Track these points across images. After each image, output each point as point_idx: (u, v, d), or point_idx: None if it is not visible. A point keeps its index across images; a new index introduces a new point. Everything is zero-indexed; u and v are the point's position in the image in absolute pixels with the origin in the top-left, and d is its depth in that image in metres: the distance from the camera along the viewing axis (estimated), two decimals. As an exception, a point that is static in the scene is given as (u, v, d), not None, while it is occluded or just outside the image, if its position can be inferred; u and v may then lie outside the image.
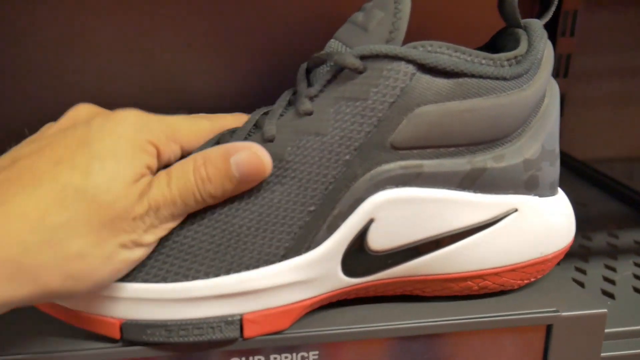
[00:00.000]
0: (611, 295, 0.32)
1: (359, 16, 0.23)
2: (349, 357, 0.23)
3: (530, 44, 0.23)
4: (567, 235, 0.25)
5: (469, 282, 0.24)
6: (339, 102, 0.21)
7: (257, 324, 0.21)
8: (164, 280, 0.20)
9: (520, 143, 0.23)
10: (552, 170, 0.24)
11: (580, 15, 0.54)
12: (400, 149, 0.21)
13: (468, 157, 0.22)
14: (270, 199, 0.21)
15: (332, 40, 0.23)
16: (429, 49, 0.21)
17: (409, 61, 0.21)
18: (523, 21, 0.24)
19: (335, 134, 0.21)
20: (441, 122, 0.21)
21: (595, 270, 0.35)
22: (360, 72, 0.21)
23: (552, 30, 0.55)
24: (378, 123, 0.21)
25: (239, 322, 0.21)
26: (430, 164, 0.22)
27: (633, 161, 0.58)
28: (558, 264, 0.36)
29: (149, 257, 0.21)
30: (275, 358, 0.22)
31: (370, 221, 0.21)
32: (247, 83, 0.39)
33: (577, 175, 0.53)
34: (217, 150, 0.21)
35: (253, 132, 0.22)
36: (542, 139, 0.24)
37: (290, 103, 0.23)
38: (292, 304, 0.21)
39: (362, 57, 0.21)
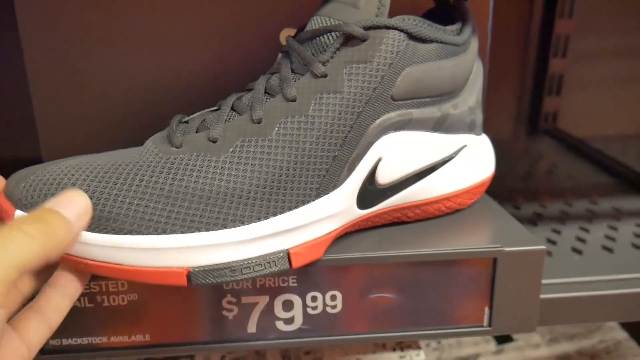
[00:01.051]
0: (579, 252, 0.35)
1: None
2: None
3: (464, 19, 0.28)
4: (492, 163, 0.32)
5: (440, 204, 0.29)
6: (348, 65, 0.24)
7: (300, 256, 0.24)
8: (224, 227, 0.22)
9: (465, 95, 0.29)
10: (481, 115, 0.31)
11: (577, -3, 0.56)
12: (397, 101, 0.25)
13: (438, 105, 0.27)
14: (301, 149, 0.24)
15: (315, 17, 0.26)
16: (412, 21, 0.25)
17: (402, 30, 0.25)
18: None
19: (350, 91, 0.24)
20: (422, 78, 0.26)
21: (571, 231, 0.38)
22: (364, 40, 0.24)
23: (550, 12, 0.57)
24: (381, 80, 0.25)
25: (287, 255, 0.23)
26: (416, 112, 0.26)
27: (627, 138, 0.59)
28: (536, 224, 0.39)
29: (204, 208, 0.22)
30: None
31: (379, 160, 0.26)
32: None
33: (573, 150, 0.56)
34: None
35: (263, 97, 0.25)
36: (476, 91, 0.30)
37: (293, 71, 0.25)
38: (324, 235, 0.25)
39: (366, 28, 0.25)
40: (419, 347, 0.38)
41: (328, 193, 0.24)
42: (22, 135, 0.55)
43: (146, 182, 0.22)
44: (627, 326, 0.51)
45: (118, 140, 0.35)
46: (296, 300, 0.25)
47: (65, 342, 0.25)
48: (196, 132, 0.25)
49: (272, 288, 0.25)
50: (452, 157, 0.29)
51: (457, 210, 0.31)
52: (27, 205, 0.22)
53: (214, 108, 0.26)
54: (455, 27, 0.27)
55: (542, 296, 0.29)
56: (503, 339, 0.49)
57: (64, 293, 0.22)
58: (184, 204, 0.22)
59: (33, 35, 0.33)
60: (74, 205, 0.21)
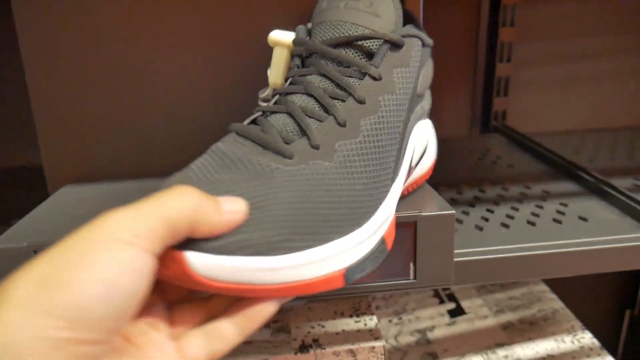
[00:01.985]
0: (507, 226, 0.41)
1: (359, 3, 0.28)
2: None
3: (416, 23, 0.33)
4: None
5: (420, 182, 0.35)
6: (394, 69, 0.28)
7: (389, 238, 0.27)
8: (358, 225, 0.24)
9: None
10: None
11: (519, 8, 0.63)
12: (419, 97, 0.31)
13: (430, 96, 0.34)
14: (381, 146, 0.26)
15: (338, 22, 0.28)
16: (421, 30, 0.31)
17: (419, 38, 0.30)
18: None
19: (400, 92, 0.28)
20: (427, 75, 0.32)
21: (503, 210, 0.44)
22: (401, 47, 0.28)
23: (494, 21, 0.64)
24: (415, 81, 0.29)
25: (383, 240, 0.26)
26: (425, 103, 0.33)
27: (565, 133, 0.66)
28: (474, 205, 0.45)
29: (335, 213, 0.23)
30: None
31: (414, 149, 0.31)
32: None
33: (517, 145, 0.62)
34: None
35: (332, 99, 0.26)
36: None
37: (357, 71, 0.27)
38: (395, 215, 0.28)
39: (403, 36, 0.28)
40: (372, 313, 0.43)
41: (395, 180, 0.28)
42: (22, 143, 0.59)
43: (288, 197, 0.22)
44: (548, 282, 0.57)
45: (121, 146, 0.38)
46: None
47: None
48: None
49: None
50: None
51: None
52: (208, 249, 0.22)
53: (260, 113, 0.27)
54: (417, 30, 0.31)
55: (470, 258, 0.35)
56: (455, 313, 0.55)
57: (234, 323, 0.22)
58: (333, 211, 0.23)
59: (31, 37, 0.36)
60: (232, 201, 0.21)
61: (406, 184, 0.33)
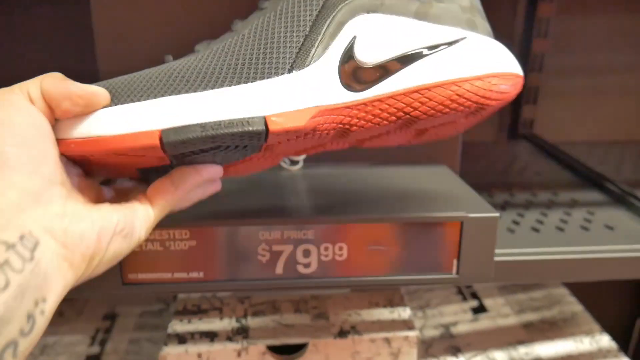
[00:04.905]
0: (537, 230, 0.43)
1: None
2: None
3: None
4: (507, 62, 0.30)
5: (448, 91, 0.28)
6: None
7: (277, 122, 0.25)
8: (195, 90, 0.25)
9: None
10: (486, 24, 0.31)
11: (553, 21, 0.65)
12: None
13: None
14: (270, 36, 0.27)
15: None
16: None
17: None
18: None
19: None
20: None
21: (533, 215, 0.47)
22: None
23: (528, 33, 0.66)
24: None
25: (263, 119, 0.24)
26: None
27: (592, 144, 0.68)
28: (505, 209, 0.47)
29: (179, 81, 0.25)
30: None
31: (354, 38, 0.28)
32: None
33: (546, 153, 0.65)
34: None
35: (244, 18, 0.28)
36: None
37: None
38: (305, 108, 0.26)
39: None
40: (405, 305, 0.46)
41: (303, 68, 0.27)
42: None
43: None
44: (568, 285, 0.60)
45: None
46: (313, 249, 0.34)
47: (140, 276, 0.33)
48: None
49: (295, 239, 0.33)
50: (447, 46, 0.29)
51: (479, 109, 0.30)
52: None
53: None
54: None
55: (503, 259, 0.38)
56: (478, 310, 0.57)
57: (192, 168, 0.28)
58: (165, 77, 0.25)
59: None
60: (86, 86, 0.25)
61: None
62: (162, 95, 0.24)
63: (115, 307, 0.60)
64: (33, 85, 0.24)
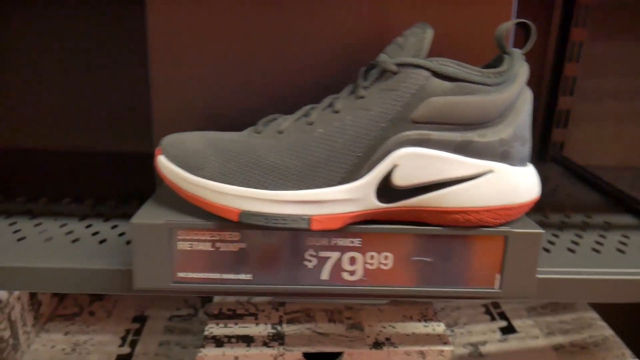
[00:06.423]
0: (573, 251, 0.44)
1: (399, 39, 0.34)
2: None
3: (510, 65, 0.34)
4: (528, 194, 0.34)
5: (457, 216, 0.34)
6: (382, 92, 0.32)
7: (319, 222, 0.32)
8: (266, 188, 0.32)
9: (498, 128, 0.33)
10: (522, 149, 0.34)
11: (584, 45, 0.66)
12: (417, 123, 0.32)
13: (460, 132, 0.32)
14: (334, 146, 0.32)
15: (381, 54, 0.35)
16: (440, 62, 0.32)
17: (426, 68, 0.32)
18: (509, 50, 0.37)
19: (378, 110, 0.32)
20: (444, 108, 0.32)
21: (567, 236, 0.47)
22: (395, 74, 0.33)
23: (560, 57, 0.67)
24: (404, 105, 0.32)
25: (309, 219, 0.32)
26: (435, 134, 0.32)
27: (622, 168, 0.68)
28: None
29: (258, 173, 0.32)
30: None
31: (395, 166, 0.32)
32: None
33: (576, 176, 0.65)
34: None
35: (322, 109, 0.34)
36: (514, 126, 0.33)
37: (352, 92, 0.35)
38: (343, 213, 0.33)
39: (398, 64, 0.32)
40: (439, 320, 0.46)
41: (349, 182, 0.32)
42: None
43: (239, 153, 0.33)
44: (597, 306, 0.58)
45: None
46: (359, 257, 0.34)
47: (190, 275, 0.34)
48: (266, 126, 0.35)
49: (342, 247, 0.34)
50: (474, 178, 0.33)
51: (482, 226, 0.35)
52: (169, 156, 0.34)
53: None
54: (497, 70, 0.33)
55: (542, 276, 0.38)
56: (507, 331, 0.57)
57: None
58: (252, 169, 0.33)
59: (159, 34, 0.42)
60: None
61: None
62: (247, 186, 0.33)
63: (144, 310, 0.60)
64: None
